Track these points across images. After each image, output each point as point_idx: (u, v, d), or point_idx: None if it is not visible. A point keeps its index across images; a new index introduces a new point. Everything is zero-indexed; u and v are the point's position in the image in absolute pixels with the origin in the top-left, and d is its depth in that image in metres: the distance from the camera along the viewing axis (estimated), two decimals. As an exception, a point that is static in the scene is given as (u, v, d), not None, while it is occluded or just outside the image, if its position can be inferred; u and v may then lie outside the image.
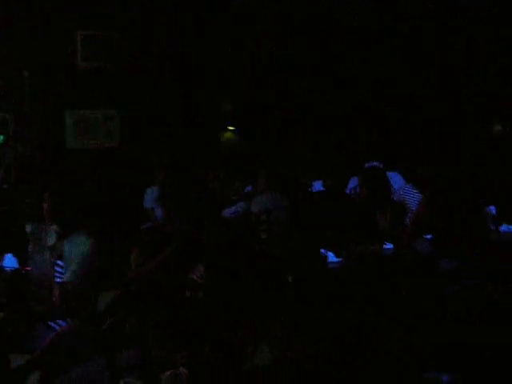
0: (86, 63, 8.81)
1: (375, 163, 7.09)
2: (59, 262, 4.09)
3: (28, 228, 3.94)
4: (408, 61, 9.55)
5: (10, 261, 4.04)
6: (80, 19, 8.68)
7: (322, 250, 5.04)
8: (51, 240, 4.14)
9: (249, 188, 7.78)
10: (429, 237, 5.23)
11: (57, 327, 3.69)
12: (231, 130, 9.70)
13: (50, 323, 3.75)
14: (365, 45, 9.51)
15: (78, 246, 4.13)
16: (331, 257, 4.98)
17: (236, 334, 3.52)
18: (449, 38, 9.48)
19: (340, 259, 4.99)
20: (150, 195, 7.75)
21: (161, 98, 9.06)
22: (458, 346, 3.24)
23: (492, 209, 5.98)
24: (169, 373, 3.00)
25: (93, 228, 4.30)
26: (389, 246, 5.22)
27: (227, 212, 6.77)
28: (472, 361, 3.05)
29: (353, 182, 7.19)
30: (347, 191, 7.32)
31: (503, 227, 6.01)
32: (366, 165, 7.05)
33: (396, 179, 6.95)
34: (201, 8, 9.16)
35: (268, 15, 9.38)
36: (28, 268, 3.91)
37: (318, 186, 7.86)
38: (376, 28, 9.51)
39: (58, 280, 3.99)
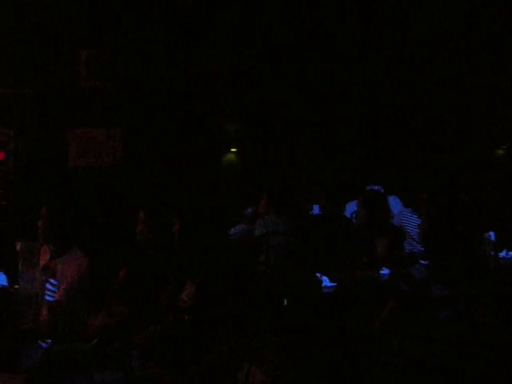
0: (89, 82, 8.87)
1: (376, 187, 7.07)
2: (52, 280, 4.07)
3: (18, 245, 3.93)
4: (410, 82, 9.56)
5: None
6: (83, 38, 8.75)
7: (318, 274, 5.00)
8: (44, 258, 4.13)
9: (249, 210, 7.76)
10: (425, 262, 5.19)
11: (45, 345, 3.66)
12: (233, 152, 9.71)
13: (38, 341, 3.72)
14: (363, 67, 9.55)
15: (70, 266, 4.11)
16: (326, 281, 4.95)
17: (226, 357, 3.48)
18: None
19: (335, 284, 4.95)
20: None
21: (163, 118, 9.09)
22: (450, 370, 3.21)
23: (491, 234, 5.93)
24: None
25: (87, 247, 4.29)
26: (385, 271, 5.17)
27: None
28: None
29: (352, 206, 7.16)
30: (347, 215, 7.28)
31: (502, 253, 5.96)
32: (367, 188, 7.04)
33: (395, 203, 6.92)
34: (203, 27, 9.22)
35: (269, 35, 9.43)
36: (16, 286, 3.89)
37: (316, 209, 7.83)
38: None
39: (49, 298, 3.97)
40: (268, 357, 3.56)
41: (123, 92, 8.95)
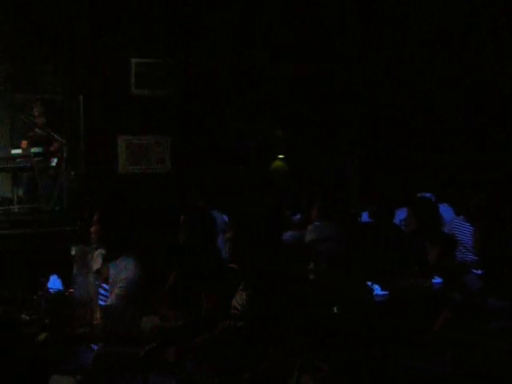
0: (139, 90, 9.00)
1: (427, 194, 6.97)
2: (104, 285, 4.12)
3: (73, 250, 4.00)
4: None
5: (55, 282, 4.10)
6: (134, 46, 8.89)
7: (369, 283, 4.94)
8: (97, 263, 4.18)
9: (297, 217, 7.73)
10: (478, 272, 5.08)
11: (97, 348, 3.71)
12: (281, 159, 9.71)
13: (91, 345, 3.78)
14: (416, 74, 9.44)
15: (123, 270, 4.16)
16: (377, 289, 4.88)
17: (278, 364, 3.46)
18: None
19: (386, 292, 4.88)
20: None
21: (211, 125, 9.16)
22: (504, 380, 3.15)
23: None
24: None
25: (139, 253, 4.34)
26: (437, 280, 5.08)
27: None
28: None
29: (401, 213, 7.06)
30: (396, 222, 7.19)
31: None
32: (418, 195, 6.94)
33: (446, 211, 6.80)
34: (252, 35, 9.27)
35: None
36: (71, 290, 3.95)
37: (365, 216, 7.75)
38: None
39: (102, 303, 4.02)
40: (319, 365, 3.53)
41: (172, 100, 9.06)
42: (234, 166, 9.16)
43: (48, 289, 3.97)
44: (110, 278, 4.14)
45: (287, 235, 6.81)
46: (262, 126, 9.53)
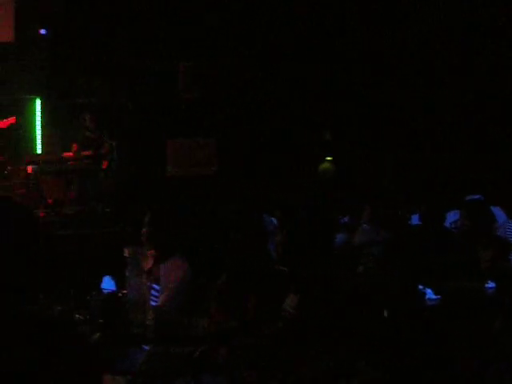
0: (187, 93, 9.07)
1: (477, 196, 6.83)
2: (155, 286, 4.16)
3: (126, 251, 4.04)
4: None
5: (108, 283, 4.15)
6: (182, 51, 8.97)
7: (420, 287, 4.86)
8: (148, 264, 4.22)
9: (345, 219, 7.67)
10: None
11: (148, 349, 3.74)
12: (329, 160, 9.66)
13: (143, 346, 3.81)
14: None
15: (173, 271, 4.20)
16: (429, 293, 4.80)
17: (326, 370, 3.44)
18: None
19: (439, 296, 4.79)
20: None
21: (258, 127, 9.17)
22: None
23: None
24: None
25: (188, 254, 4.37)
26: (491, 284, 4.96)
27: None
28: None
29: (452, 216, 6.94)
30: (447, 225, 7.07)
31: None
32: (468, 198, 6.80)
33: (499, 214, 6.65)
34: (302, 39, 9.25)
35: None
36: (124, 291, 4.00)
37: (415, 219, 7.64)
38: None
39: (153, 304, 4.05)
40: (368, 370, 3.49)
41: (219, 103, 9.11)
42: (282, 168, 9.15)
43: (101, 289, 4.03)
44: (160, 279, 4.18)
45: (337, 238, 6.77)
46: (309, 127, 9.50)
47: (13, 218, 1.78)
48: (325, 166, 9.65)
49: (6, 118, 8.35)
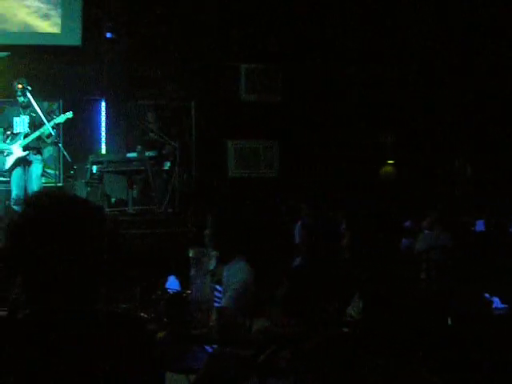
0: (249, 95, 9.10)
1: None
2: (218, 286, 4.17)
3: (191, 252, 4.07)
4: None
5: (173, 283, 4.19)
6: (243, 53, 9.00)
7: (487, 295, 4.74)
8: (211, 265, 4.24)
9: (407, 223, 7.56)
10: None
11: (210, 350, 3.76)
12: (391, 164, 9.53)
13: (205, 347, 3.83)
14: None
15: (236, 273, 4.20)
16: (496, 302, 4.67)
17: (386, 378, 3.38)
18: None
19: (506, 305, 4.67)
20: (298, 230, 7.69)
21: (320, 130, 9.13)
22: None
23: None
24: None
25: (251, 256, 4.36)
26: (562, 294, 4.80)
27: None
28: None
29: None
30: (512, 232, 6.89)
31: None
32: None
33: None
34: (360, 41, 9.18)
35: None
36: (189, 291, 4.03)
37: (480, 225, 7.47)
38: None
39: (216, 305, 4.07)
40: (431, 379, 3.42)
41: (281, 105, 9.10)
42: (343, 170, 9.07)
43: (166, 289, 4.07)
44: (223, 280, 4.19)
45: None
46: (370, 130, 9.39)
47: (87, 218, 1.80)
48: (386, 169, 9.53)
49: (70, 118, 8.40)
